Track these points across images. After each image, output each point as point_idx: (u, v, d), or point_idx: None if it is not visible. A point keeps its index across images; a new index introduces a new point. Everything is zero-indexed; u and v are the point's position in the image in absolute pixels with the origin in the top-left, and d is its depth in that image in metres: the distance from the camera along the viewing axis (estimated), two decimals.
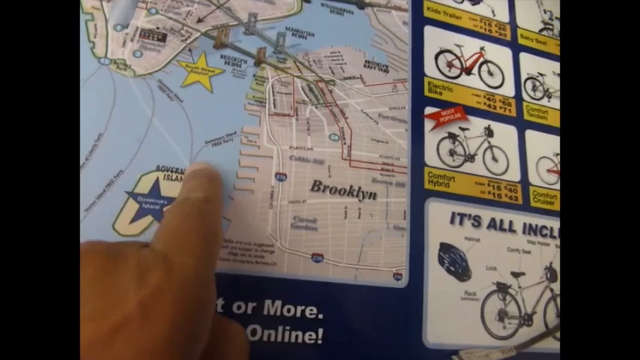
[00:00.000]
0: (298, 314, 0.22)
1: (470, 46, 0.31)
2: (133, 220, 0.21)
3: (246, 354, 0.17)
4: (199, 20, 0.25)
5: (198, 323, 0.14)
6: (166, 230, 0.16)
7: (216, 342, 0.16)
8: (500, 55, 0.32)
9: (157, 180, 0.22)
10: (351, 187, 0.25)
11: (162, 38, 0.24)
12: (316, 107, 0.26)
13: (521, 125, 0.31)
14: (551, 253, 0.28)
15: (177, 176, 0.22)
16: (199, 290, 0.14)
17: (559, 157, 0.31)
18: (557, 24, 0.35)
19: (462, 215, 0.27)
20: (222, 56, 0.25)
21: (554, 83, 0.33)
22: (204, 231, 0.17)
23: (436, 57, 0.30)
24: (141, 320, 0.12)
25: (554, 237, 0.29)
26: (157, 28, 0.25)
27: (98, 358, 0.12)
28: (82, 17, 0.23)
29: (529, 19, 0.34)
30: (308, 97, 0.26)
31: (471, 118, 0.29)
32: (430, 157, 0.28)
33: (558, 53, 0.34)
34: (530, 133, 0.31)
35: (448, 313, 0.25)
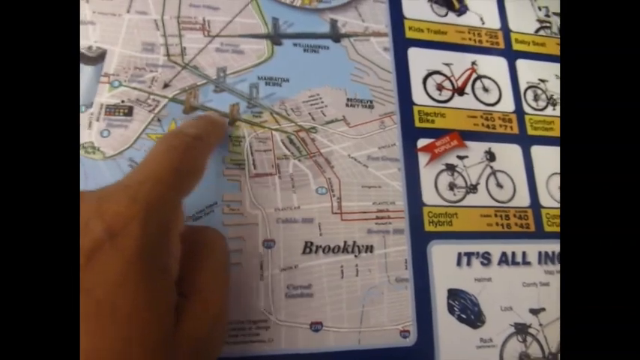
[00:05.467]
0: None
1: (460, 63, 0.29)
2: None
3: (226, 258, 0.18)
4: (165, 85, 0.24)
5: (164, 241, 0.15)
6: (143, 161, 0.17)
7: (196, 250, 0.17)
8: (495, 66, 0.30)
9: None
10: (345, 242, 0.24)
11: (129, 112, 0.23)
12: (299, 160, 0.24)
13: (526, 142, 0.28)
14: None
15: None
16: (165, 214, 0.15)
17: None
18: (555, 20, 0.33)
19: (469, 254, 0.25)
20: None
21: (557, 88, 0.30)
22: (183, 167, 0.17)
23: (424, 81, 0.28)
24: (110, 242, 0.13)
25: None
26: (122, 101, 0.23)
27: (83, 289, 0.12)
28: None
29: (523, 21, 0.32)
30: (289, 150, 0.24)
31: (469, 143, 0.27)
32: (428, 195, 0.26)
33: (559, 53, 0.31)
34: (536, 150, 0.28)
35: None
